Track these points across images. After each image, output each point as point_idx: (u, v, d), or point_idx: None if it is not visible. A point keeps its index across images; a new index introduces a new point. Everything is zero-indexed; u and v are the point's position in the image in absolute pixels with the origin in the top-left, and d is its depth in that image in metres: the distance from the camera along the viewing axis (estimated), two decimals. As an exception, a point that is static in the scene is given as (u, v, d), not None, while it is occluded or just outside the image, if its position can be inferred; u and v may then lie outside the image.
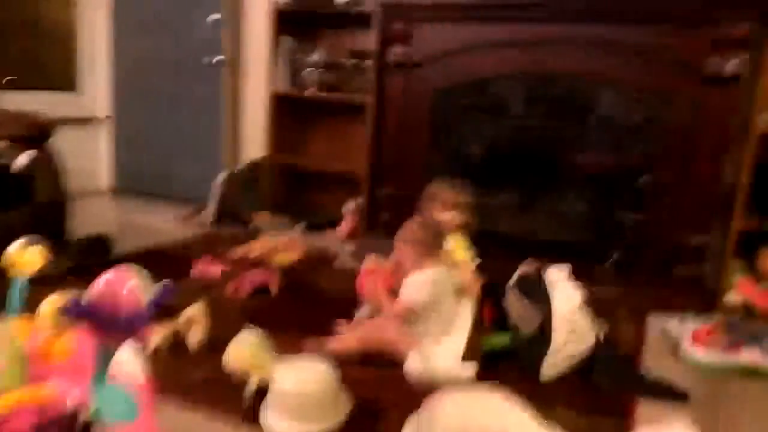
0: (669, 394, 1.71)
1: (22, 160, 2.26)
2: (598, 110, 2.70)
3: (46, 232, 2.45)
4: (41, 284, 2.22)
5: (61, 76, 4.02)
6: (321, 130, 3.63)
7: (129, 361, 1.04)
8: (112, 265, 2.53)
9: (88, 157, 4.11)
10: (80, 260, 2.53)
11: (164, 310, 1.93)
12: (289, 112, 3.53)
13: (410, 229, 1.86)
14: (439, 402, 1.26)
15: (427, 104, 2.94)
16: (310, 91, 3.37)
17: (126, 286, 1.01)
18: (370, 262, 1.98)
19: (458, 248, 2.12)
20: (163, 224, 3.38)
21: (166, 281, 1.12)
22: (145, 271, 1.11)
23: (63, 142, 3.82)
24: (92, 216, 3.52)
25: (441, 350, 1.77)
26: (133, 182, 4.15)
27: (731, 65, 2.35)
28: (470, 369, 1.74)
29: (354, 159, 3.36)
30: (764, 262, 2.39)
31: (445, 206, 2.18)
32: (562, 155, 2.81)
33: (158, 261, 2.67)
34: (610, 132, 2.68)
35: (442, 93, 2.91)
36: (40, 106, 3.65)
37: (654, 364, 1.92)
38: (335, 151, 3.58)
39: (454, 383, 1.66)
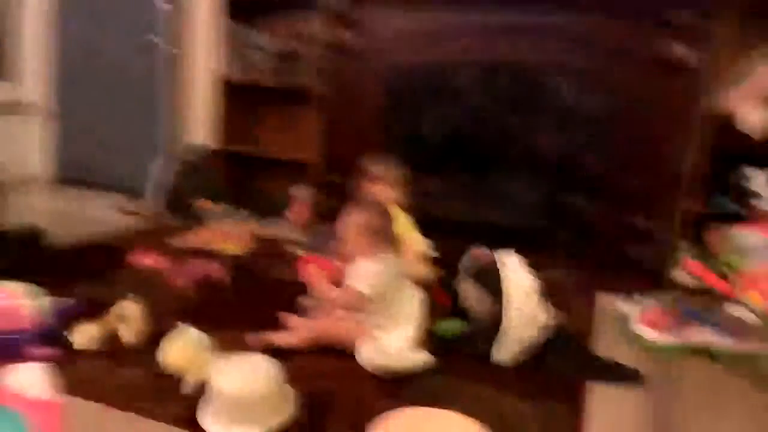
0: (621, 376, 1.71)
1: None
2: (548, 97, 2.67)
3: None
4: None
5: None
6: (270, 116, 3.50)
7: (25, 382, 0.93)
8: (44, 259, 2.40)
9: (23, 146, 3.87)
10: (10, 255, 2.37)
11: (96, 306, 1.82)
12: (236, 98, 3.38)
13: (354, 215, 1.78)
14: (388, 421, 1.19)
15: (378, 90, 2.86)
16: (258, 77, 3.23)
17: (12, 304, 0.90)
18: (310, 252, 1.91)
19: (400, 225, 2.07)
20: (103, 215, 3.20)
21: (66, 299, 1.00)
22: (39, 288, 0.99)
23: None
24: (26, 207, 3.31)
25: (392, 338, 1.72)
26: (73, 172, 3.92)
27: (679, 51, 2.37)
28: (423, 356, 1.69)
29: (305, 145, 3.25)
30: (711, 242, 2.42)
31: (378, 182, 2.13)
32: (513, 141, 2.78)
33: (94, 253, 2.53)
34: (560, 118, 2.66)
35: (393, 79, 2.84)
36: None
37: (605, 346, 1.91)
38: (285, 137, 3.45)
39: (406, 371, 1.63)
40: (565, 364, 1.73)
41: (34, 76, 3.87)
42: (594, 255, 2.59)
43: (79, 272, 2.26)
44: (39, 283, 2.09)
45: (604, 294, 2.34)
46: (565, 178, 2.67)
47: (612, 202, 2.59)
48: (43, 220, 2.89)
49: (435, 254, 2.48)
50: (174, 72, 3.55)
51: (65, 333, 1.49)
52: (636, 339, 1.95)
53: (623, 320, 2.07)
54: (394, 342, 1.72)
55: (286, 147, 3.39)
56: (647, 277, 2.42)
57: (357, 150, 2.87)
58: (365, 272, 1.71)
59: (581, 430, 1.43)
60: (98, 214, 3.21)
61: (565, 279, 2.47)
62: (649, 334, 1.93)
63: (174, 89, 3.57)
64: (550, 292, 1.93)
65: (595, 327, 2.07)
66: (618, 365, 1.76)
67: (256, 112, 3.50)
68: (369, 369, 1.64)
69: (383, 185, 2.16)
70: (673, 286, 2.37)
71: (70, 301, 0.99)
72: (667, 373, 1.78)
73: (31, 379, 0.94)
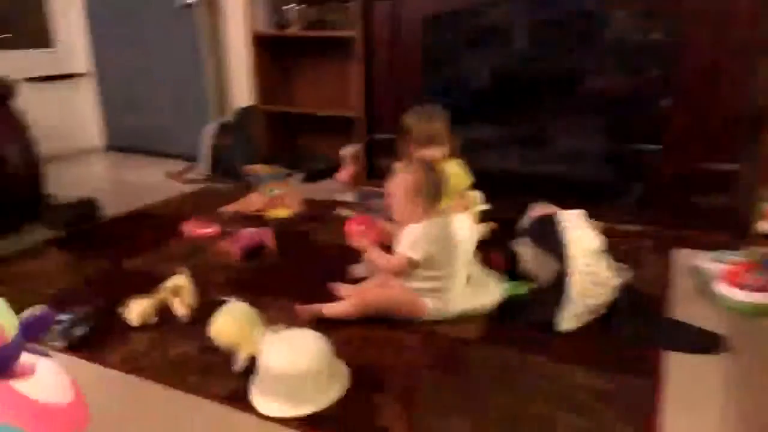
0: (702, 342, 1.55)
1: None
2: (608, 31, 2.41)
3: (20, 199, 2.32)
4: (22, 258, 2.11)
5: (36, 32, 3.77)
6: (310, 71, 3.37)
7: (35, 388, 0.87)
8: (98, 230, 2.43)
9: (71, 116, 3.91)
10: (65, 227, 2.40)
11: (148, 279, 1.82)
12: (273, 53, 3.27)
13: (402, 174, 1.66)
14: None
15: (418, 34, 2.68)
16: (293, 30, 3.10)
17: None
18: (359, 213, 1.80)
19: (453, 181, 1.94)
20: (154, 182, 3.21)
21: (39, 308, 0.92)
22: (3, 301, 0.92)
23: (43, 101, 3.65)
24: (78, 177, 3.36)
25: (453, 297, 1.66)
26: (121, 139, 3.96)
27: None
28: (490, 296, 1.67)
29: (348, 99, 3.14)
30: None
31: (425, 138, 1.99)
32: (571, 84, 2.55)
33: (147, 223, 2.53)
34: (624, 55, 2.40)
35: (435, 21, 2.64)
36: (15, 65, 3.47)
37: (682, 308, 1.75)
38: (328, 92, 3.33)
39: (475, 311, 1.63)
40: (639, 331, 1.58)
41: (77, 43, 3.87)
42: (667, 206, 2.38)
43: (132, 244, 2.26)
44: (93, 255, 2.13)
45: (680, 249, 2.15)
46: (630, 121, 2.44)
47: (684, 147, 2.35)
48: (96, 189, 2.92)
49: (488, 210, 2.36)
50: (209, 30, 3.46)
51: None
52: (718, 299, 1.78)
53: (702, 278, 1.89)
54: (453, 300, 1.66)
55: (330, 102, 3.27)
56: (728, 229, 2.21)
57: (401, 102, 2.72)
58: (414, 237, 1.60)
59: (659, 407, 1.31)
60: (149, 182, 3.22)
61: (635, 235, 2.30)
62: (732, 293, 1.75)
63: (212, 48, 3.49)
64: (619, 251, 1.78)
65: (670, 287, 1.90)
66: (698, 330, 1.61)
67: (296, 67, 3.39)
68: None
69: (431, 140, 2.01)
70: (758, 238, 2.15)
71: (41, 311, 0.91)
72: (753, 337, 1.61)
73: (42, 383, 0.88)
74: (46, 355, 0.94)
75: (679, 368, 1.45)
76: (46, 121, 3.64)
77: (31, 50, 3.71)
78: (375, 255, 1.67)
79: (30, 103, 3.50)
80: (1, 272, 2.01)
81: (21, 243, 2.25)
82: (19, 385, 0.85)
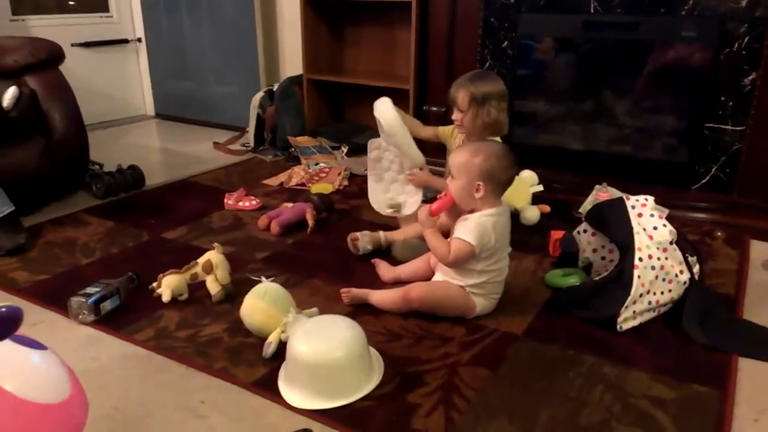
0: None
1: (8, 96, 2.07)
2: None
3: (65, 166, 2.31)
4: (61, 225, 2.11)
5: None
6: (361, 40, 3.22)
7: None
8: (144, 199, 2.41)
9: (123, 82, 3.90)
10: (107, 195, 2.38)
11: (186, 252, 1.77)
12: (324, 19, 3.13)
13: (471, 158, 1.46)
14: None
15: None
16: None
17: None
18: None
19: None
20: (200, 152, 3.16)
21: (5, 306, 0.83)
22: None
23: (97, 66, 3.66)
24: (126, 145, 3.35)
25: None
26: (169, 107, 3.93)
27: None
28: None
29: (399, 69, 2.99)
30: None
31: (469, 106, 1.78)
32: (644, 54, 2.32)
33: (190, 193, 2.48)
34: (705, 24, 2.16)
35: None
36: (71, 30, 3.48)
37: (758, 307, 1.58)
38: (378, 62, 3.17)
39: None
40: (709, 333, 1.42)
41: (130, 8, 3.84)
42: (746, 193, 2.16)
43: (174, 214, 2.22)
44: (133, 225, 2.10)
45: (758, 242, 1.97)
46: (708, 98, 2.21)
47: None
48: (142, 157, 2.89)
49: (544, 190, 2.19)
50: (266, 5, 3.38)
51: None
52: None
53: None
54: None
55: (381, 72, 3.13)
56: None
57: (457, 72, 2.56)
58: (476, 226, 1.44)
59: (728, 420, 1.16)
60: (196, 151, 3.18)
61: (707, 224, 2.09)
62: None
63: (268, 17, 3.40)
64: (691, 242, 1.61)
65: (747, 285, 1.72)
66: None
67: (348, 35, 3.24)
68: None
69: (477, 103, 1.80)
70: None
71: (5, 310, 0.82)
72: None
73: (33, 381, 0.80)
74: (42, 347, 0.86)
75: (752, 378, 1.31)
76: (99, 87, 3.66)
77: (88, 14, 3.70)
78: (436, 241, 1.51)
79: (84, 68, 3.55)
80: (39, 240, 2.00)
81: (62, 210, 2.24)
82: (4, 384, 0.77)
